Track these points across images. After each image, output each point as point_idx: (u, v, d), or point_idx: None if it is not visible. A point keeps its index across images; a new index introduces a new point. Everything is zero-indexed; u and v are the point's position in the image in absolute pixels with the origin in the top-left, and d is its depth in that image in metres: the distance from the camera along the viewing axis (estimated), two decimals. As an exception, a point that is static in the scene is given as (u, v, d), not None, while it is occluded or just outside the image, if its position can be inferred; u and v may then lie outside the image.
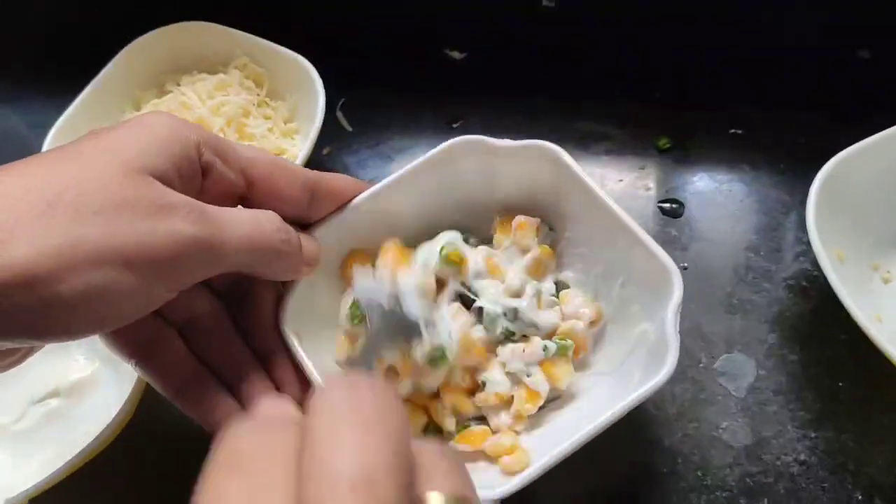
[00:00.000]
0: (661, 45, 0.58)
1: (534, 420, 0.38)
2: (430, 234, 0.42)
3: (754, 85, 0.55)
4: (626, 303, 0.39)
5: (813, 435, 0.41)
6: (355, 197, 0.39)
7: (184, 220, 0.28)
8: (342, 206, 0.39)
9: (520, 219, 0.41)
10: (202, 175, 0.32)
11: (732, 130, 0.54)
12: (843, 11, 0.57)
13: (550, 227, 0.42)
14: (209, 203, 0.31)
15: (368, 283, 0.37)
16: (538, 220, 0.41)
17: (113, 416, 0.38)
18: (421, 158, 0.40)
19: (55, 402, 0.44)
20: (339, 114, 0.58)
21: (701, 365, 0.44)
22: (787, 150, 0.52)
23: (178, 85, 0.55)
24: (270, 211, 0.34)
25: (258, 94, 0.55)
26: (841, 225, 0.42)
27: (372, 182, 0.40)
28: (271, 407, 0.33)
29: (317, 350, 0.36)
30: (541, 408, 0.38)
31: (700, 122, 0.54)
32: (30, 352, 0.31)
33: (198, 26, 0.56)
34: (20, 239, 0.25)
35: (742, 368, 0.43)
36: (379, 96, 0.59)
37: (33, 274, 0.25)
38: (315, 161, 0.53)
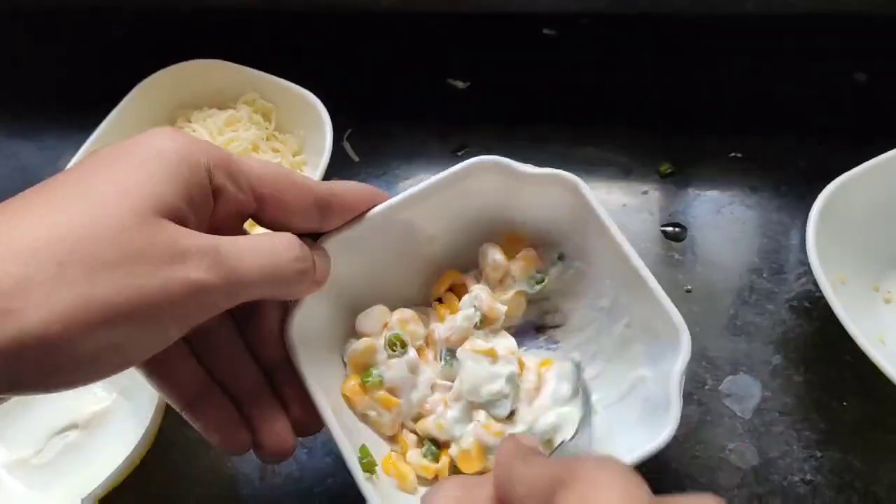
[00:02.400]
0: (662, 72, 0.60)
1: None
2: (444, 253, 0.42)
3: (753, 110, 0.56)
4: (628, 343, 0.39)
5: (819, 455, 0.41)
6: (371, 208, 0.38)
7: (198, 267, 0.28)
8: (357, 217, 0.37)
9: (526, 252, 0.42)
10: (213, 198, 0.31)
11: (733, 154, 0.55)
12: (839, 35, 0.59)
13: (560, 255, 0.42)
14: (220, 224, 0.31)
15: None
16: (535, 255, 0.42)
17: (132, 447, 0.39)
18: (440, 175, 0.39)
19: (74, 435, 0.44)
20: (346, 144, 0.59)
21: (707, 387, 0.44)
22: (788, 173, 0.53)
23: (189, 121, 0.57)
24: (287, 235, 0.33)
25: (267, 128, 0.56)
26: (841, 247, 0.43)
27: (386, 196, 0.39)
28: (273, 433, 0.35)
29: (320, 364, 0.37)
30: None
31: (701, 148, 0.55)
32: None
33: (208, 64, 0.57)
34: (34, 304, 0.25)
35: (748, 390, 0.44)
36: (384, 126, 0.60)
37: (48, 339, 0.25)
38: (324, 192, 0.54)
